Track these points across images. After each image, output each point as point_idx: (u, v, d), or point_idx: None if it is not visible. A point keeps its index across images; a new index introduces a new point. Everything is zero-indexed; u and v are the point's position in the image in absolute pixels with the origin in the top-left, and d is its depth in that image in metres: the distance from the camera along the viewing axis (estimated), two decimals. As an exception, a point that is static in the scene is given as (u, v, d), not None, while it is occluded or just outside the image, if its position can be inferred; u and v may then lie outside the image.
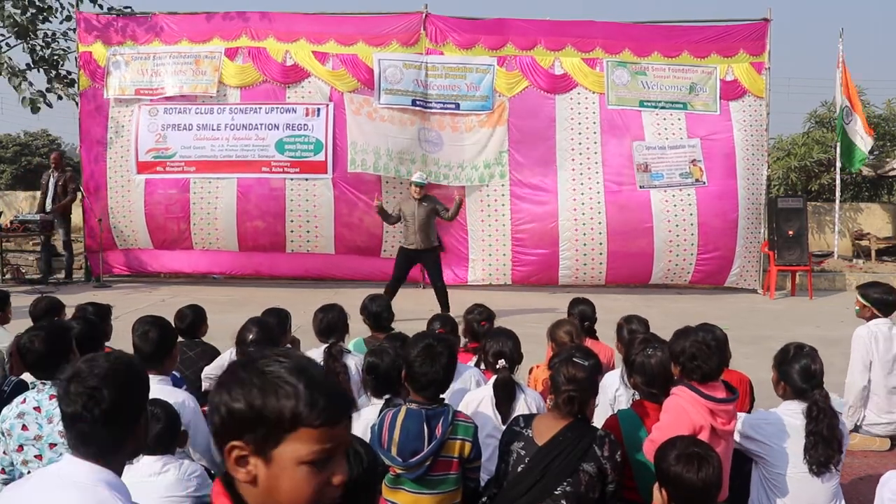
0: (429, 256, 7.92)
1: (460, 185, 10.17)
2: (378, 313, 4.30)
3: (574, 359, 2.60)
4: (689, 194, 10.01)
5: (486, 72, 10.29)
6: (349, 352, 3.80)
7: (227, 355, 4.03)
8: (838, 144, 12.78)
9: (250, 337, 3.07)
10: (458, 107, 10.28)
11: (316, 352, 3.73)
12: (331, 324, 3.85)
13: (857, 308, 4.58)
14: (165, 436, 2.58)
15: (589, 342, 4.07)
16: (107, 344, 3.63)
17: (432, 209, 7.98)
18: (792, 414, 2.89)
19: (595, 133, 10.07)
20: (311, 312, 4.03)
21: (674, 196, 10.00)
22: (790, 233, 10.26)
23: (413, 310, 7.63)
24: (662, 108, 10.23)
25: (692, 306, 9.26)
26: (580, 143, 10.05)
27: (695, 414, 2.64)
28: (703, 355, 2.74)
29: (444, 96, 10.28)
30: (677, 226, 10.00)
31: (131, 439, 1.66)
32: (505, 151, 10.11)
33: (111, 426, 1.61)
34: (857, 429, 4.42)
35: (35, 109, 10.96)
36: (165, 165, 10.17)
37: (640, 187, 9.99)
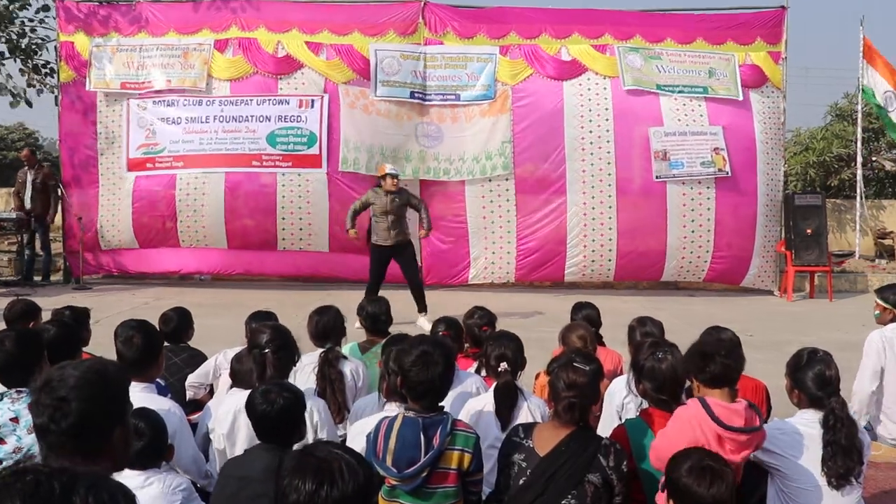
0: (404, 251, 7.78)
1: (461, 178, 10.16)
2: (376, 315, 4.30)
3: (574, 363, 2.59)
4: (708, 187, 9.97)
5: (487, 61, 10.27)
6: (345, 357, 3.80)
7: (213, 362, 4.04)
8: (858, 137, 12.75)
9: (265, 339, 3.09)
10: (458, 98, 10.27)
11: (311, 356, 3.73)
12: (327, 327, 3.85)
13: (878, 312, 4.57)
14: (150, 451, 2.57)
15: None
16: (86, 350, 3.63)
17: (405, 202, 7.85)
18: (808, 423, 2.88)
19: (607, 121, 10.00)
20: (303, 315, 4.03)
21: (692, 189, 9.96)
22: (808, 231, 10.25)
23: (409, 313, 7.64)
24: (681, 92, 10.14)
25: (705, 309, 9.25)
26: (591, 132, 9.97)
27: (700, 434, 2.60)
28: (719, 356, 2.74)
29: (443, 87, 10.27)
30: (693, 220, 9.98)
31: (106, 453, 1.65)
32: (508, 141, 10.06)
33: (81, 439, 1.60)
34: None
35: (15, 104, 10.96)
36: (154, 162, 10.20)
37: (657, 177, 9.91)
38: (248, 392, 2.77)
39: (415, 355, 2.59)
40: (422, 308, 7.74)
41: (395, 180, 7.76)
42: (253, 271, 10.58)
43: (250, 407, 2.59)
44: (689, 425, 2.63)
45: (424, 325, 7.29)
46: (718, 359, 2.72)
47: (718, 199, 9.99)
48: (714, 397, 2.69)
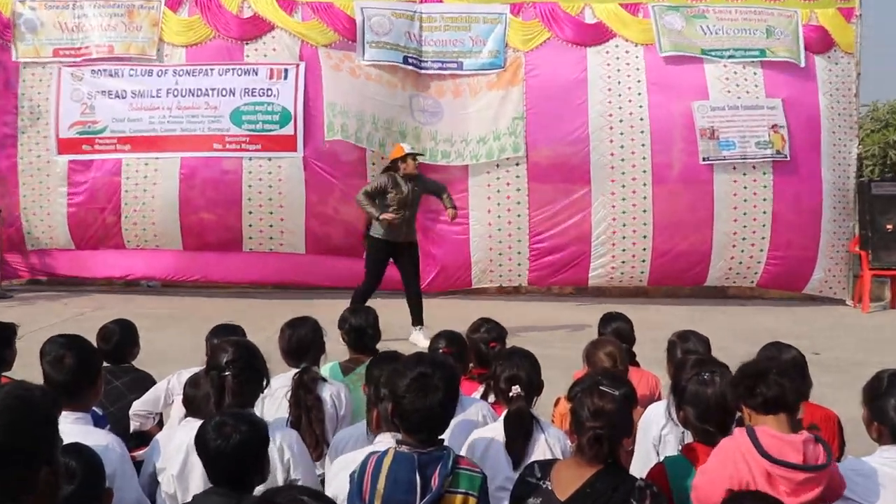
0: (409, 251, 7.87)
1: (463, 163, 10.16)
2: (361, 329, 4.31)
3: (601, 387, 2.57)
4: (764, 173, 9.98)
5: (496, 22, 10.29)
6: (324, 380, 3.80)
7: (163, 386, 4.04)
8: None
9: (225, 359, 3.07)
10: (460, 66, 10.29)
11: (283, 379, 3.72)
12: (302, 343, 3.85)
13: None
14: (83, 495, 2.54)
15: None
16: (6, 374, 3.62)
17: (424, 190, 7.99)
18: (891, 463, 2.85)
19: (640, 94, 10.03)
20: (274, 328, 4.02)
21: (744, 175, 9.96)
22: (889, 227, 10.23)
23: (401, 328, 7.65)
24: (731, 57, 10.14)
25: (760, 321, 9.25)
26: (620, 108, 10.00)
27: (744, 471, 2.56)
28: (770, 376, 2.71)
29: (442, 53, 10.30)
30: (745, 213, 9.99)
31: (30, 498, 1.63)
32: (520, 118, 10.08)
33: None
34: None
35: None
36: (94, 143, 10.21)
37: (704, 159, 9.92)
38: (204, 423, 2.76)
39: (410, 378, 2.58)
40: (418, 321, 7.76)
41: (416, 163, 7.82)
42: (212, 277, 10.59)
43: (201, 443, 2.57)
44: (731, 459, 2.60)
45: (420, 340, 7.30)
46: (772, 377, 2.70)
47: (776, 187, 9.99)
48: (767, 426, 2.67)
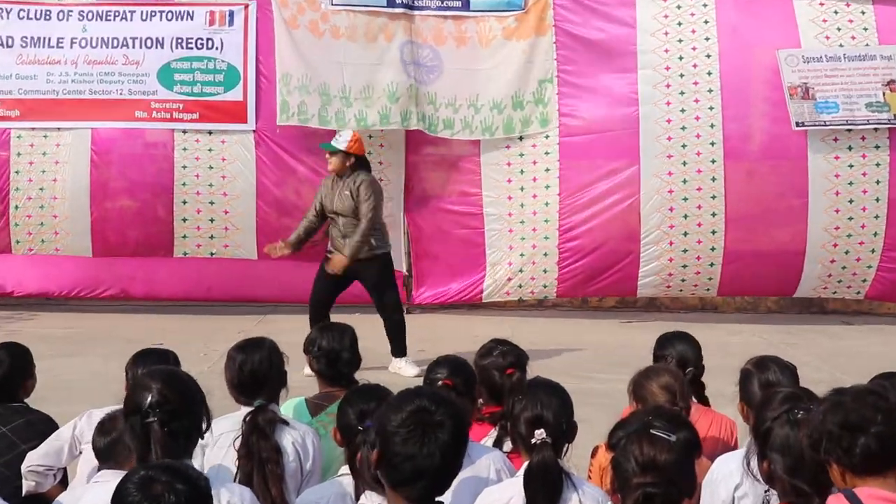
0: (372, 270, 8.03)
1: (473, 138, 10.18)
2: (335, 353, 4.31)
3: (652, 430, 2.59)
4: (877, 146, 9.96)
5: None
6: (285, 423, 3.80)
7: (68, 432, 4.03)
8: None
9: (150, 400, 3.03)
10: (465, 4, 10.29)
11: (230, 421, 3.73)
12: (256, 373, 3.84)
13: None
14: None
15: (694, 409, 4.08)
16: None
17: None
18: None
19: (708, 40, 10.03)
20: (220, 355, 4.03)
21: (850, 149, 9.93)
22: None
23: (387, 351, 7.68)
24: None
25: (869, 345, 9.26)
26: (680, 59, 10.01)
27: None
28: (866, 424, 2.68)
29: (442, -12, 10.32)
30: (852, 201, 9.98)
31: None
32: (549, 80, 10.11)
33: None
34: None
35: None
36: (-34, 107, 10.21)
37: (798, 125, 9.90)
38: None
39: (407, 412, 2.56)
40: (399, 352, 7.89)
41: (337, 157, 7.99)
42: (134, 293, 10.62)
43: None
44: None
45: (407, 369, 7.43)
46: (873, 429, 2.68)
47: (895, 165, 9.99)
48: (869, 486, 2.63)
